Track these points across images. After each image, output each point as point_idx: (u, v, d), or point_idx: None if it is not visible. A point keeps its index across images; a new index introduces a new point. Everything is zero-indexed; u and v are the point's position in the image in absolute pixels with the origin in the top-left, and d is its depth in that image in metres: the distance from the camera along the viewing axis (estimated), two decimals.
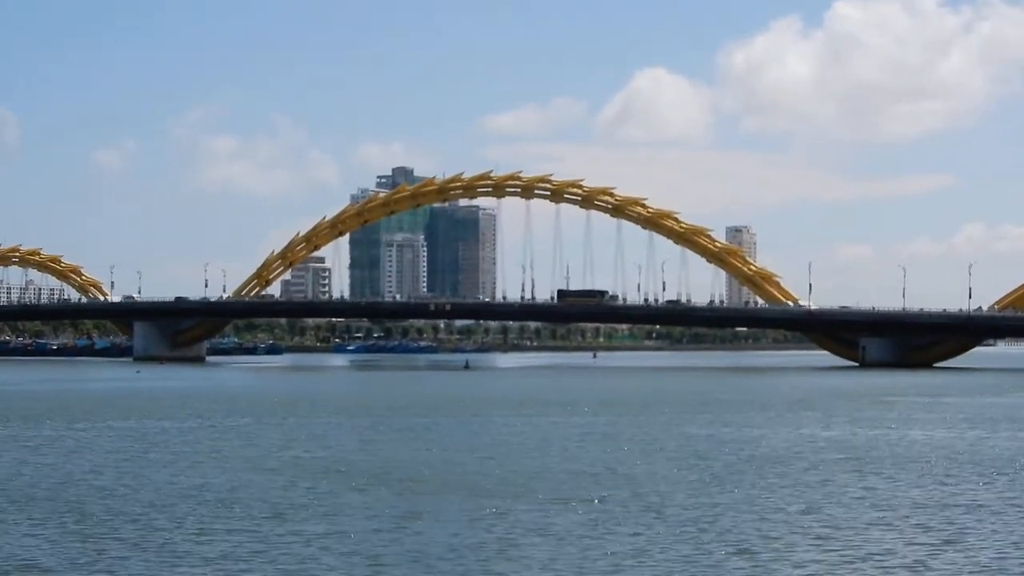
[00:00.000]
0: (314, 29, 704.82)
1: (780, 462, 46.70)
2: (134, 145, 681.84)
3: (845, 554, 27.16)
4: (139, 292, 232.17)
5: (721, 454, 49.66)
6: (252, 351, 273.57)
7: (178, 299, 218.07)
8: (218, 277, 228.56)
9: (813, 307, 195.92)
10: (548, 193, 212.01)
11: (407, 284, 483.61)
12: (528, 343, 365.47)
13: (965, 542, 28.80)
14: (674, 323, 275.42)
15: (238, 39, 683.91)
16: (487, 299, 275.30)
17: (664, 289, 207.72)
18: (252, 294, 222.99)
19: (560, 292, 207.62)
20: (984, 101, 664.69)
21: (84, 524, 30.96)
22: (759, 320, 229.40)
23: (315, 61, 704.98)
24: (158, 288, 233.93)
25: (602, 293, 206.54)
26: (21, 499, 35.79)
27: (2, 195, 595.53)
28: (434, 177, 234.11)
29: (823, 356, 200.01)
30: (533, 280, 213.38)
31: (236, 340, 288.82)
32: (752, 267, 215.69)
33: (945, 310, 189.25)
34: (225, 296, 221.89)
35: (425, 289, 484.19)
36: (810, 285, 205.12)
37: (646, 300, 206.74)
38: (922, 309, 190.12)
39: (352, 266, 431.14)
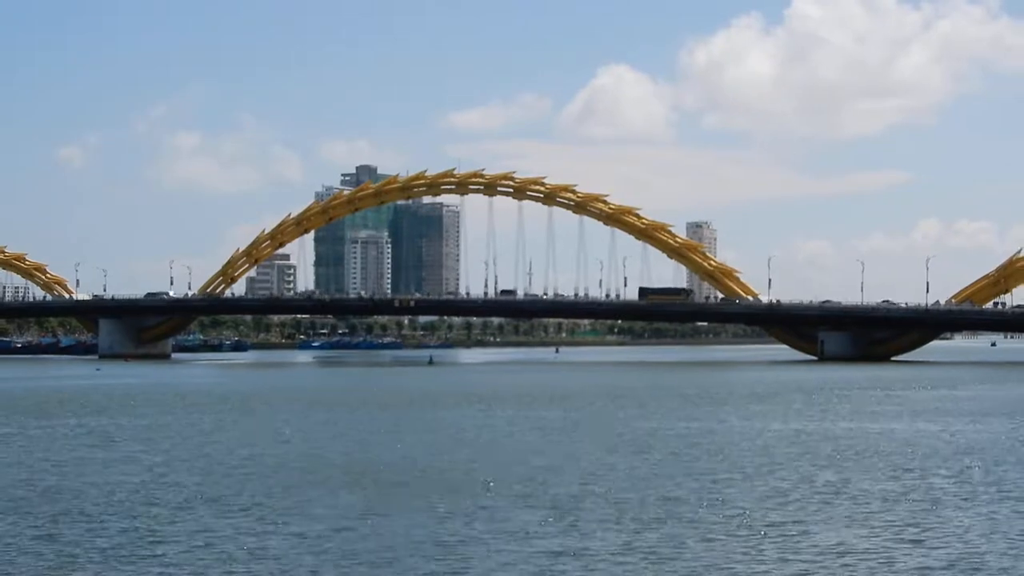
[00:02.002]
0: (279, 25, 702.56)
1: (732, 452, 46.56)
2: (96, 141, 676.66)
3: (795, 540, 27.03)
4: (104, 289, 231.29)
5: (677, 446, 49.59)
6: (217, 348, 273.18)
7: (149, 295, 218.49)
8: (183, 274, 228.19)
9: (773, 301, 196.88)
10: (511, 190, 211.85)
11: (371, 281, 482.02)
12: (492, 339, 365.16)
13: (915, 528, 28.68)
14: (640, 318, 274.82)
15: (203, 35, 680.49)
16: (451, 295, 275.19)
17: (625, 285, 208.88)
18: (217, 291, 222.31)
19: (641, 290, 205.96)
20: (942, 98, 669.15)
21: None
22: (720, 315, 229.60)
23: (280, 58, 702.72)
24: (123, 285, 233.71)
25: (686, 291, 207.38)
26: None
27: None
28: (397, 175, 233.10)
29: (782, 350, 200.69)
30: (497, 276, 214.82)
31: (201, 337, 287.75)
32: (712, 262, 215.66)
33: (904, 304, 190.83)
34: (190, 293, 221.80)
35: (389, 286, 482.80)
36: (769, 280, 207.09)
37: (607, 295, 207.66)
38: (886, 301, 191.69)
39: (317, 263, 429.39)
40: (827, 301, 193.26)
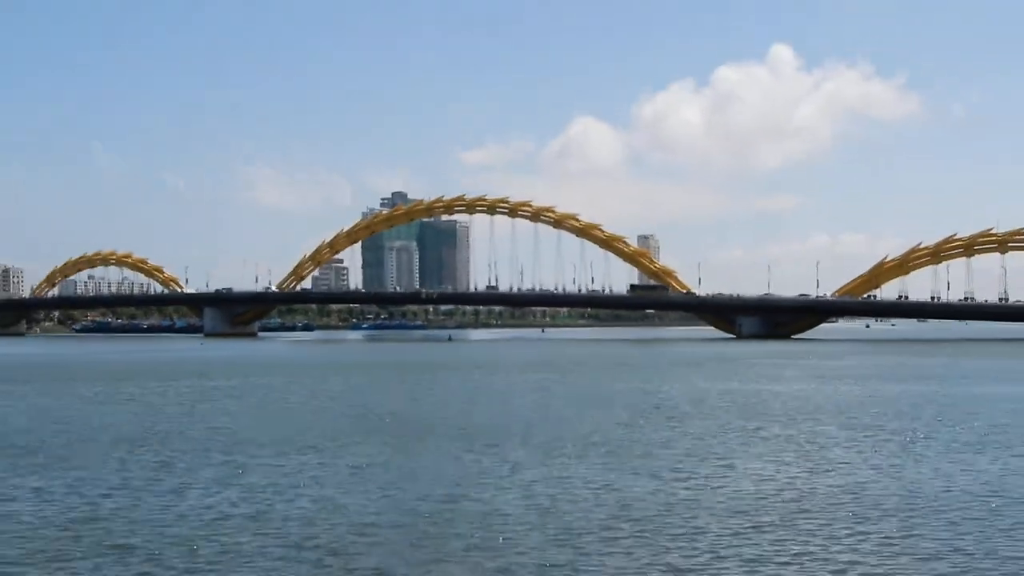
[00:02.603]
0: (335, 91, 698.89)
1: (674, 407, 46.20)
2: (200, 171, 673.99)
3: (721, 465, 26.70)
4: (207, 285, 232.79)
5: (629, 400, 49.15)
6: (292, 328, 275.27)
7: (264, 291, 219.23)
8: (265, 274, 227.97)
9: (703, 294, 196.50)
10: (506, 211, 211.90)
11: (404, 279, 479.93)
12: (494, 322, 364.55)
13: (810, 461, 28.34)
14: (605, 307, 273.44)
15: (285, 99, 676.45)
16: (463, 290, 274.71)
17: (592, 282, 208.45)
18: (290, 287, 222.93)
19: (631, 286, 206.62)
20: (827, 140, 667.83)
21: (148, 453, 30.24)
22: (665, 304, 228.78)
23: (335, 113, 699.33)
24: (220, 283, 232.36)
25: (663, 287, 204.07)
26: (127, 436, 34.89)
27: (97, 211, 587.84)
28: (423, 199, 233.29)
29: (710, 331, 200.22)
30: (495, 277, 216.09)
31: (279, 320, 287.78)
32: (656, 265, 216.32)
33: (800, 296, 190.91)
34: (271, 288, 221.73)
35: (418, 282, 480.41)
36: (699, 279, 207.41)
37: (579, 289, 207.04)
38: (803, 295, 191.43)
39: (363, 265, 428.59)
40: (741, 295, 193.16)
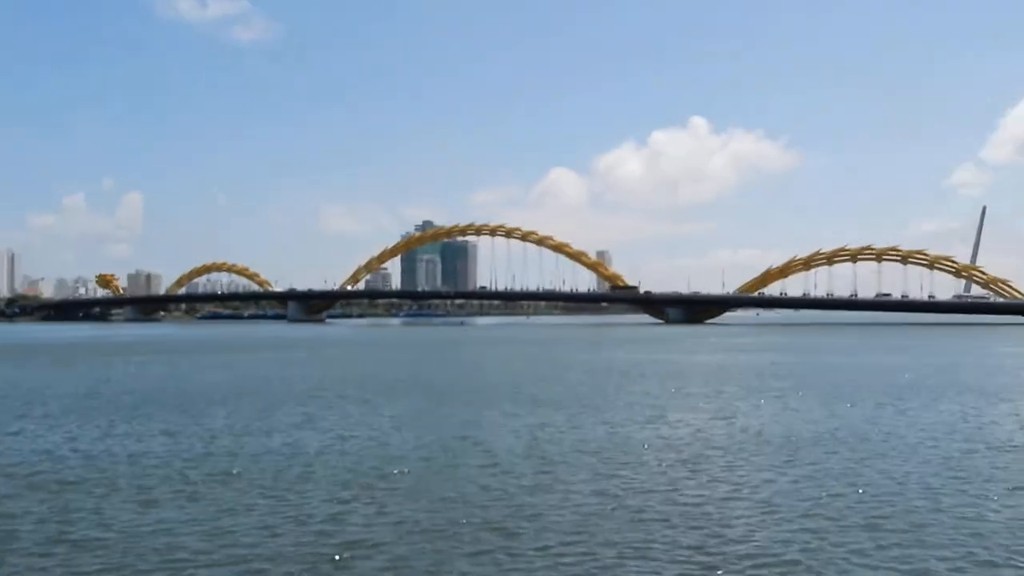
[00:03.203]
0: (382, 147, 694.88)
1: (622, 372, 46.07)
2: (287, 205, 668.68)
3: (661, 415, 26.55)
4: (291, 287, 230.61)
5: (589, 366, 49.05)
6: (349, 316, 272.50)
7: (330, 290, 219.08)
8: (332, 278, 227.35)
9: (643, 292, 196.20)
10: (503, 234, 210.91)
11: (430, 281, 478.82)
12: (493, 312, 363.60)
13: (725, 412, 28.22)
14: (573, 300, 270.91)
15: (349, 154, 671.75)
16: (472, 289, 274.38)
17: (564, 283, 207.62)
18: (349, 287, 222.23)
19: (612, 287, 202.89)
20: (732, 184, 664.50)
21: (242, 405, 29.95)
22: (617, 299, 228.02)
23: (381, 166, 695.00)
24: (299, 285, 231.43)
25: (635, 288, 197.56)
26: (223, 393, 34.61)
27: (214, 233, 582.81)
28: (444, 225, 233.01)
29: (646, 318, 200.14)
30: (496, 280, 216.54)
31: (341, 311, 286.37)
32: (609, 272, 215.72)
33: (710, 293, 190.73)
34: (336, 288, 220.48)
35: (440, 284, 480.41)
36: (639, 281, 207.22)
37: (555, 289, 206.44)
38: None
39: (402, 272, 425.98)
40: (668, 292, 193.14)
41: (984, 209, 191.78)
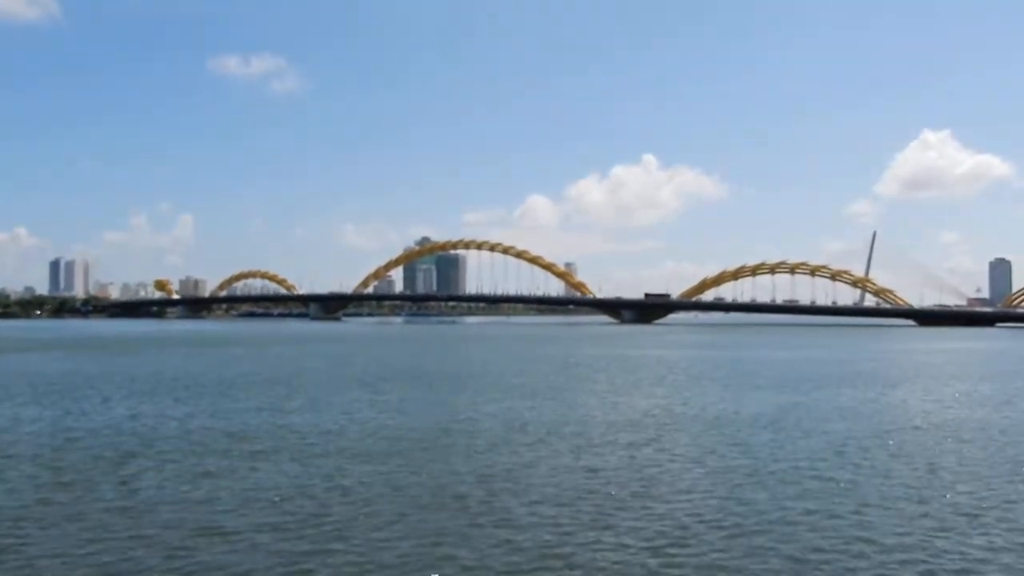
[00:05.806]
0: (390, 175, 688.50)
1: (587, 365, 46.23)
2: (312, 223, 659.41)
3: (624, 399, 26.72)
4: (312, 290, 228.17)
5: (558, 360, 49.11)
6: (360, 315, 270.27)
7: (344, 293, 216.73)
8: (346, 284, 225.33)
9: (602, 297, 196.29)
10: (490, 248, 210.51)
11: (429, 287, 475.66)
12: (479, 313, 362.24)
13: (679, 397, 28.42)
14: (545, 304, 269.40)
15: (363, 181, 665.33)
16: (462, 294, 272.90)
17: (538, 289, 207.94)
18: (361, 291, 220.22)
19: (646, 294, 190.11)
20: (676, 210, 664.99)
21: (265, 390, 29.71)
22: (581, 303, 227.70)
23: (388, 190, 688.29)
24: (319, 289, 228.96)
25: (667, 295, 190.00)
26: (247, 381, 34.27)
27: (249, 247, 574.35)
28: (439, 241, 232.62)
29: (605, 319, 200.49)
30: (482, 286, 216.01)
31: (355, 311, 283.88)
32: (576, 280, 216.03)
33: (659, 296, 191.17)
34: (350, 292, 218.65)
35: (435, 290, 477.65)
36: (600, 288, 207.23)
37: (531, 294, 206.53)
38: (646, 294, 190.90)
39: (404, 279, 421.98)
40: (624, 297, 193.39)
41: (875, 234, 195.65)
